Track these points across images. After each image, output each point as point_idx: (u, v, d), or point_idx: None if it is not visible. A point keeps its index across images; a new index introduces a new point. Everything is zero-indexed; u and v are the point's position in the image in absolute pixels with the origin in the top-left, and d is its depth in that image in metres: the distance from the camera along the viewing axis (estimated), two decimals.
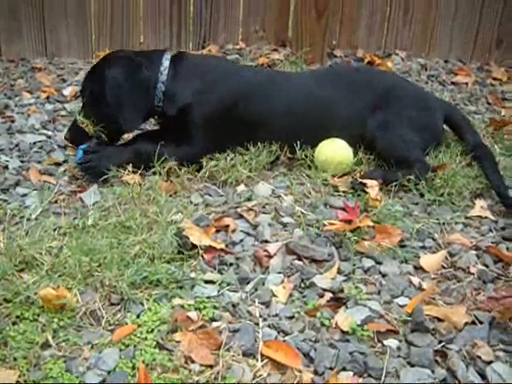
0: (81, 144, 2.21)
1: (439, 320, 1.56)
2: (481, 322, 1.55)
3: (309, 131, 2.27)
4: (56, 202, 2.02)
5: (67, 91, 2.90)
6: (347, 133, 2.27)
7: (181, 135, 2.22)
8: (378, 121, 2.30)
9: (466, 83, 3.41)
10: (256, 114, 2.27)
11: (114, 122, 2.18)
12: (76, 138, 2.25)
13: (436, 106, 2.47)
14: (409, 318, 1.55)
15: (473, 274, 1.76)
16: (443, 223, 1.99)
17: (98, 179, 2.12)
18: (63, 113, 2.70)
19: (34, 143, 2.41)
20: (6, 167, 2.23)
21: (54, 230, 1.81)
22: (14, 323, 1.48)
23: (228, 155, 2.21)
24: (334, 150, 2.22)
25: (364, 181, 2.08)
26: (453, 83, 3.41)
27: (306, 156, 2.24)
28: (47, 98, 2.85)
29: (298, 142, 2.25)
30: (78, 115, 2.22)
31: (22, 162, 2.28)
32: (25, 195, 2.06)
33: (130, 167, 2.10)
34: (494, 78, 3.54)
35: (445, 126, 2.48)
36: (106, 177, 2.11)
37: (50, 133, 2.50)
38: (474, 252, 1.85)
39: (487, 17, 3.67)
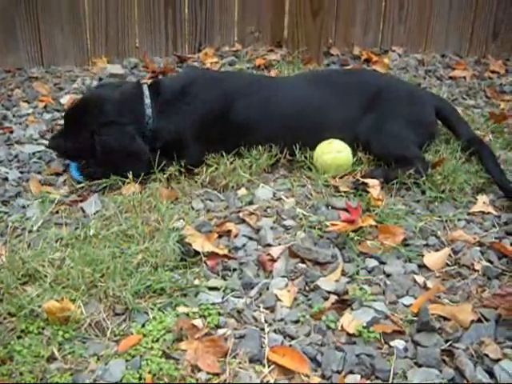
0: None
1: (445, 319, 1.55)
2: (487, 320, 1.54)
3: (301, 135, 2.26)
4: (57, 212, 2.01)
5: (64, 100, 2.89)
6: (341, 135, 2.25)
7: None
8: (370, 122, 2.29)
9: (464, 77, 3.42)
10: (246, 120, 2.25)
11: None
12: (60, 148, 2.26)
13: (426, 99, 2.46)
14: (415, 318, 1.55)
15: (477, 270, 1.76)
16: (446, 220, 1.99)
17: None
18: (61, 122, 2.69)
19: (33, 154, 2.40)
20: (6, 179, 2.22)
21: (56, 241, 1.81)
22: (19, 337, 1.47)
23: (228, 159, 2.21)
24: (333, 154, 2.20)
25: (365, 180, 2.08)
26: (450, 78, 3.42)
27: (306, 158, 2.23)
28: (45, 107, 2.84)
29: (295, 146, 2.23)
30: None
31: (21, 173, 2.27)
32: (25, 206, 2.05)
33: (130, 175, 2.10)
34: (492, 71, 3.55)
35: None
36: (105, 184, 2.12)
37: None
38: (477, 248, 1.85)
39: (483, 10, 3.68)
